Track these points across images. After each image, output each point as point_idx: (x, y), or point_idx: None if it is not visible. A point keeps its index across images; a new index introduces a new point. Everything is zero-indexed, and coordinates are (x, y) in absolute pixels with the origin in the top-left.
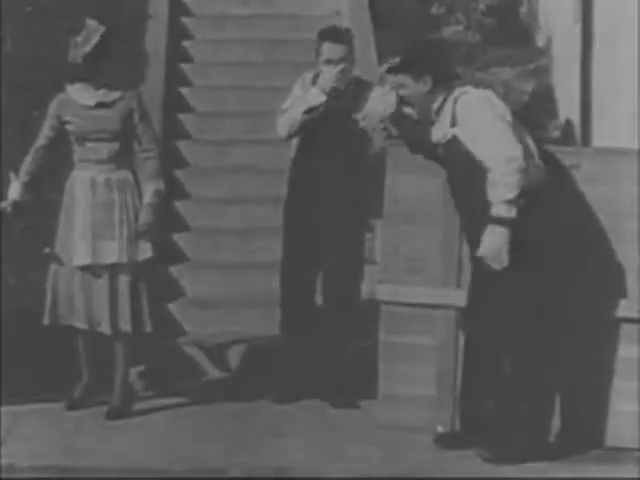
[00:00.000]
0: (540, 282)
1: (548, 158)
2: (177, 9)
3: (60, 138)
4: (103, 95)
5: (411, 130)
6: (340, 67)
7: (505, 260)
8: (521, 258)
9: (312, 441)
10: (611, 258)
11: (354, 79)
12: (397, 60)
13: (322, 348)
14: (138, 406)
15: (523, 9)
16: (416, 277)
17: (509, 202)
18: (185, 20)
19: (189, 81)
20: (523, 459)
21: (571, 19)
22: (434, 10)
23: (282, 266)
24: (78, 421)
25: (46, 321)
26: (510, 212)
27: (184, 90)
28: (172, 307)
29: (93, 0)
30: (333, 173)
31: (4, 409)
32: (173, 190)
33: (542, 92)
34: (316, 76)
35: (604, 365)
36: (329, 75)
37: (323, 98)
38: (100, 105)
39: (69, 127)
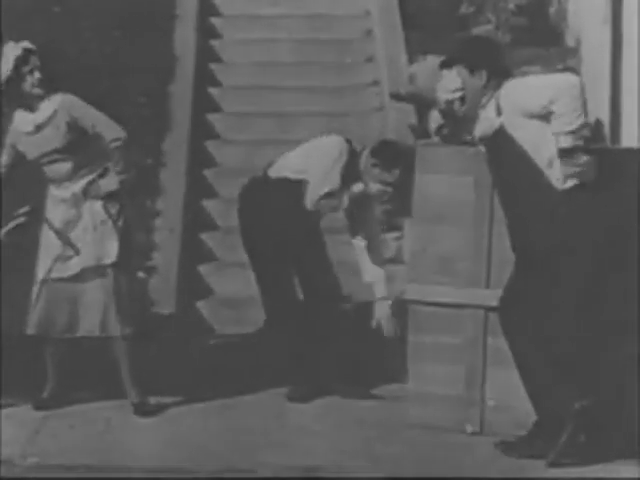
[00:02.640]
0: (572, 281)
1: None
2: (205, 9)
3: (20, 162)
4: (39, 116)
5: (454, 123)
6: (377, 188)
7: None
8: (560, 258)
9: (341, 440)
10: None
11: None
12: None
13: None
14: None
15: (552, 9)
16: (445, 277)
17: (572, 132)
18: (214, 20)
19: (218, 81)
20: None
21: (600, 19)
22: (463, 9)
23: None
24: (106, 420)
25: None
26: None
27: (213, 90)
28: (200, 306)
29: (121, 0)
30: None
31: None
32: (202, 190)
33: None
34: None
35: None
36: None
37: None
38: (39, 127)
39: (25, 154)
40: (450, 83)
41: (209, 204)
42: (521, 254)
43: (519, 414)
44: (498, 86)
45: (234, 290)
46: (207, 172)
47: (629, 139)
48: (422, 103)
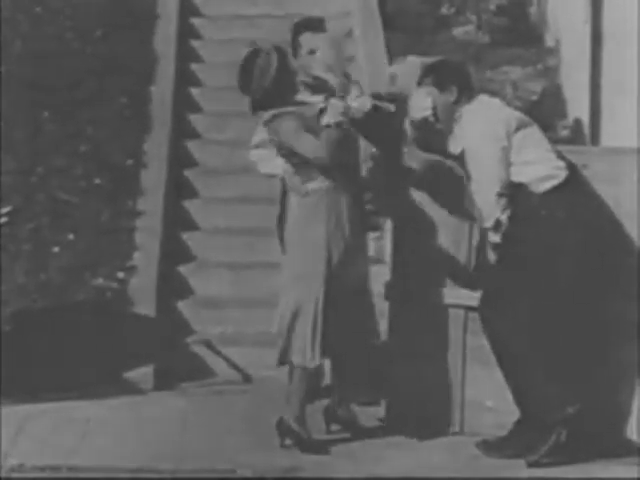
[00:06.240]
0: (556, 282)
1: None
2: (186, 9)
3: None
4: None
5: (429, 139)
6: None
7: None
8: (536, 258)
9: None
10: (629, 256)
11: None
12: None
13: None
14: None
15: (532, 9)
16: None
17: (489, 229)
18: (194, 20)
19: (199, 81)
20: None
21: (580, 19)
22: (444, 10)
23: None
24: (87, 421)
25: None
26: (493, 237)
27: (194, 90)
28: (180, 306)
29: (102, 1)
30: None
31: (15, 409)
32: (182, 190)
33: (551, 92)
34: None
35: (626, 367)
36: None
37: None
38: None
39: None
40: (420, 102)
41: (190, 204)
42: (501, 254)
43: (500, 414)
44: (469, 101)
45: (214, 290)
46: (188, 172)
47: (608, 138)
48: (402, 103)
